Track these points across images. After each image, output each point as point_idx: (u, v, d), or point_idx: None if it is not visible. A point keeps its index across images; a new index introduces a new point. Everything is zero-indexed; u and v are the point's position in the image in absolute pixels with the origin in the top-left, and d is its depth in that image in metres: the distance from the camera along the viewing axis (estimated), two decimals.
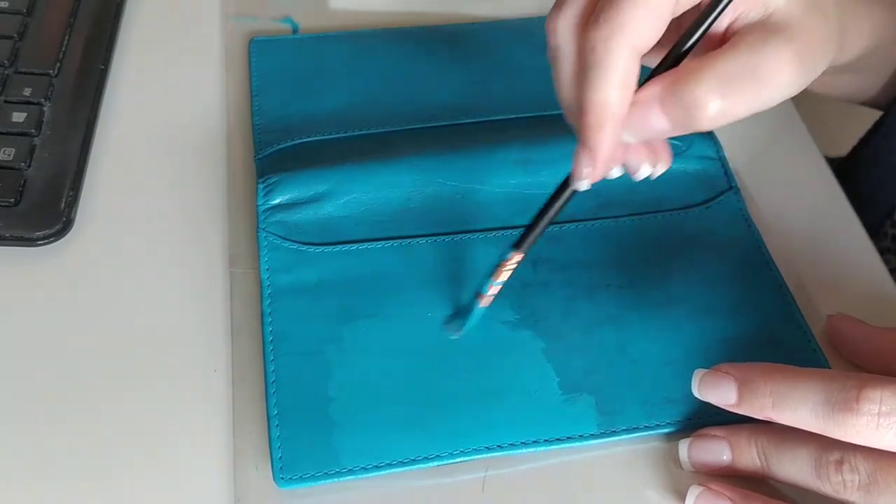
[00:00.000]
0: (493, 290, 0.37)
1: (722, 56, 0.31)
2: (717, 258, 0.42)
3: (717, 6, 0.32)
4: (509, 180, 0.44)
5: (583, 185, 0.33)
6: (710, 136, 0.46)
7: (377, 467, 0.35)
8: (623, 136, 0.33)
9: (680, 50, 0.33)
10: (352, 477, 0.34)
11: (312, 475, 0.34)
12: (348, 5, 0.54)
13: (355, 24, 0.53)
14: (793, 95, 0.33)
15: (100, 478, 0.35)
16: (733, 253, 0.42)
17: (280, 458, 0.34)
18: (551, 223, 0.35)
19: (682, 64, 0.32)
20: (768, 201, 0.46)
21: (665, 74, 0.32)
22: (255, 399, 0.37)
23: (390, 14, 0.54)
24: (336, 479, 0.34)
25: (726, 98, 0.31)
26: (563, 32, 0.33)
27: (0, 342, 0.38)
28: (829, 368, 0.38)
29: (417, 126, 0.47)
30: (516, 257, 0.36)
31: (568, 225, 0.43)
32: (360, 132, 0.46)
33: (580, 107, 0.32)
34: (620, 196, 0.44)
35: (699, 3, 0.33)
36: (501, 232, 0.42)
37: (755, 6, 0.32)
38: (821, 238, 0.44)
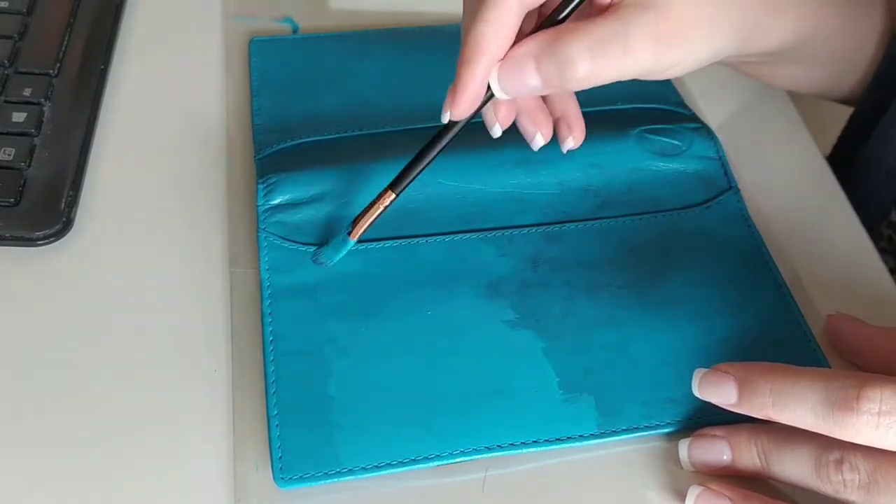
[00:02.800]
0: (365, 224, 0.38)
1: (596, 22, 0.34)
2: (717, 258, 0.42)
3: None
4: (509, 180, 0.44)
5: (445, 117, 0.35)
6: (710, 136, 0.46)
7: (377, 467, 0.34)
8: (495, 88, 0.35)
9: (559, 15, 0.35)
10: (352, 477, 0.34)
11: (312, 475, 0.34)
12: (348, 5, 0.54)
13: (355, 24, 0.53)
14: (661, 73, 0.36)
15: (100, 477, 0.35)
16: (733, 253, 0.42)
17: (280, 458, 0.34)
18: (428, 166, 0.38)
19: (560, 25, 0.34)
20: (768, 201, 0.46)
21: (542, 32, 0.34)
22: (255, 399, 0.37)
23: (390, 14, 0.54)
24: (336, 479, 0.34)
25: (595, 60, 0.33)
26: None
27: (0, 342, 0.38)
28: (829, 368, 0.38)
29: (417, 126, 0.47)
30: (390, 197, 0.38)
31: (568, 225, 0.43)
32: (360, 132, 0.46)
33: (462, 40, 0.34)
34: (620, 196, 0.44)
35: None
36: (501, 232, 0.42)
37: None
38: (821, 238, 0.44)
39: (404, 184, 0.38)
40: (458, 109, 0.35)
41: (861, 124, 0.51)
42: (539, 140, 0.38)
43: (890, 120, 0.48)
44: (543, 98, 0.40)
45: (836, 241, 0.45)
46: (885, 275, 0.43)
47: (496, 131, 0.38)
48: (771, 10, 0.40)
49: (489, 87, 0.35)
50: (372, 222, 0.38)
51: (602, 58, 0.33)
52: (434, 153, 0.37)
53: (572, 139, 0.39)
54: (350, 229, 0.39)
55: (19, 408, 0.36)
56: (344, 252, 0.39)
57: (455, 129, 0.37)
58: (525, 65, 0.34)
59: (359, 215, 0.39)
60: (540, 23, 0.35)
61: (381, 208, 0.38)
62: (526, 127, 0.38)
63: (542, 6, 0.36)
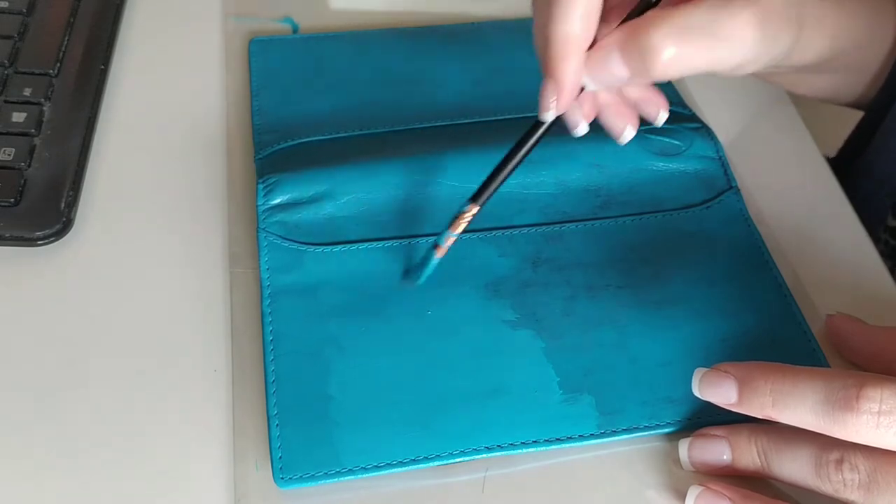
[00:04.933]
0: (450, 241, 0.38)
1: (685, 8, 0.34)
2: (717, 258, 0.42)
3: None
4: (509, 180, 0.43)
5: (549, 115, 0.35)
6: (710, 136, 0.46)
7: (377, 467, 0.34)
8: (586, 81, 0.35)
9: (648, 2, 0.35)
10: (352, 477, 0.34)
11: (312, 475, 0.34)
12: (348, 5, 0.54)
13: (355, 24, 0.53)
14: (744, 66, 0.35)
15: (100, 477, 0.35)
16: (733, 253, 0.42)
17: (280, 458, 0.34)
18: (508, 177, 0.37)
19: (647, 13, 0.34)
20: (768, 201, 0.46)
21: (628, 23, 0.34)
22: (255, 399, 0.37)
23: (390, 14, 0.54)
24: (336, 479, 0.34)
25: (681, 46, 0.33)
26: None
27: (0, 342, 0.38)
28: (829, 368, 0.38)
29: (417, 126, 0.47)
30: (473, 209, 0.37)
31: (568, 225, 0.43)
32: (360, 132, 0.46)
33: (546, 40, 0.34)
34: (620, 196, 0.44)
35: None
36: (501, 232, 0.42)
37: None
38: (821, 238, 0.44)
39: (487, 193, 0.37)
40: (563, 104, 0.35)
41: (865, 130, 0.51)
42: (629, 133, 0.38)
43: (887, 126, 0.49)
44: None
45: (836, 241, 0.45)
46: (885, 275, 0.43)
47: (582, 129, 0.37)
48: (815, 19, 0.40)
49: None
50: (456, 237, 0.38)
51: (689, 44, 0.33)
52: (521, 156, 0.36)
53: (663, 111, 0.38)
54: (433, 247, 0.38)
55: (19, 408, 0.36)
56: (431, 269, 0.39)
57: (542, 130, 0.36)
58: (610, 54, 0.34)
59: (442, 232, 0.38)
60: (630, 12, 0.35)
61: (465, 222, 0.37)
62: (614, 122, 0.38)
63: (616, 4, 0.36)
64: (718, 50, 0.34)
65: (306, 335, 0.38)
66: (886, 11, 0.47)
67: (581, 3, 0.33)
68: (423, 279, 0.39)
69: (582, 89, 0.35)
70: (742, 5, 0.34)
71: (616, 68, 0.34)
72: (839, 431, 0.31)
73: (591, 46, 0.35)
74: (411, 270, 0.40)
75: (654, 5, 0.35)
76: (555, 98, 0.35)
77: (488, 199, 0.37)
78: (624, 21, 0.35)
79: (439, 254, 0.38)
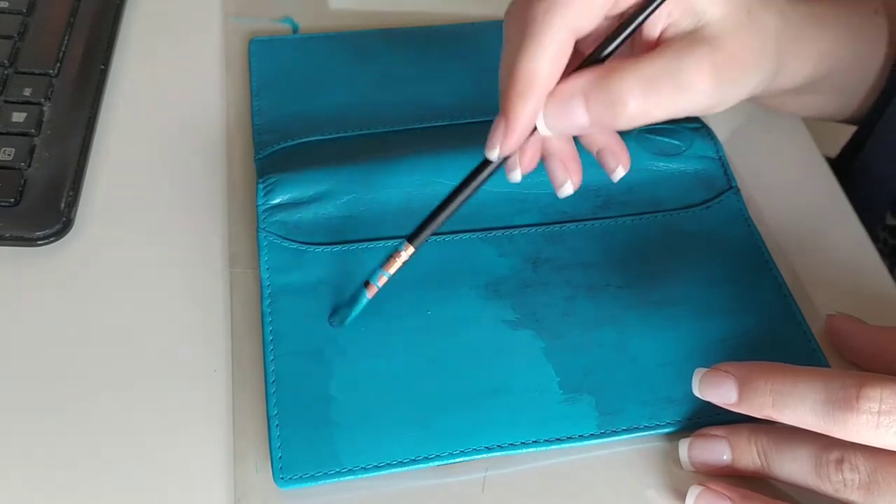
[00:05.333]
0: (382, 280, 0.37)
1: (648, 58, 0.33)
2: (717, 258, 0.42)
3: (646, 8, 0.33)
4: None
5: (493, 154, 0.34)
6: (710, 136, 0.46)
7: (377, 467, 0.35)
8: (541, 126, 0.34)
9: (603, 51, 0.34)
10: (352, 477, 0.34)
11: (312, 475, 0.34)
12: (348, 5, 0.54)
13: (355, 24, 0.53)
14: (714, 108, 0.35)
15: (100, 478, 0.35)
16: (733, 253, 0.42)
17: (280, 458, 0.34)
18: (452, 214, 0.36)
19: (607, 62, 0.33)
20: (768, 201, 0.46)
21: (590, 69, 0.33)
22: (255, 399, 0.37)
23: (390, 14, 0.54)
24: (336, 479, 0.34)
25: (646, 98, 0.32)
26: (513, 11, 0.35)
27: (0, 341, 0.38)
28: (829, 368, 0.38)
29: (417, 126, 0.47)
30: (409, 250, 0.36)
31: (568, 225, 0.43)
32: (360, 132, 0.46)
33: (509, 75, 0.33)
34: (620, 196, 0.44)
35: (637, 2, 0.34)
36: (501, 232, 0.42)
37: (688, 16, 0.34)
38: (821, 238, 0.44)
39: (422, 237, 0.36)
40: (509, 145, 0.33)
41: (864, 130, 0.51)
42: (568, 189, 0.37)
43: (884, 126, 0.49)
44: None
45: (836, 240, 0.45)
46: (885, 275, 0.43)
47: (516, 177, 0.36)
48: (797, 47, 0.40)
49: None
50: (387, 281, 0.37)
51: (655, 94, 0.32)
52: (463, 199, 0.35)
53: (621, 167, 0.37)
54: (367, 285, 0.37)
55: (19, 407, 0.36)
56: (359, 310, 0.38)
57: (489, 170, 0.35)
58: (573, 102, 0.33)
59: (374, 270, 0.37)
60: (582, 59, 0.34)
61: (400, 263, 0.37)
62: (557, 173, 0.37)
63: (578, 42, 0.34)
64: (680, 101, 0.33)
65: (306, 335, 0.38)
66: (876, 29, 0.47)
67: (554, 42, 0.32)
68: (351, 318, 0.38)
69: (534, 131, 0.34)
70: (703, 54, 0.33)
71: (578, 116, 0.33)
72: (839, 431, 0.31)
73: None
74: (340, 308, 0.38)
75: (610, 55, 0.34)
76: (502, 138, 0.33)
77: (425, 240, 0.36)
78: (581, 66, 0.34)
79: (370, 293, 0.37)
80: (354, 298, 0.38)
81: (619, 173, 0.38)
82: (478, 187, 0.35)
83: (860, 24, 0.45)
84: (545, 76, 0.33)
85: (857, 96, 0.49)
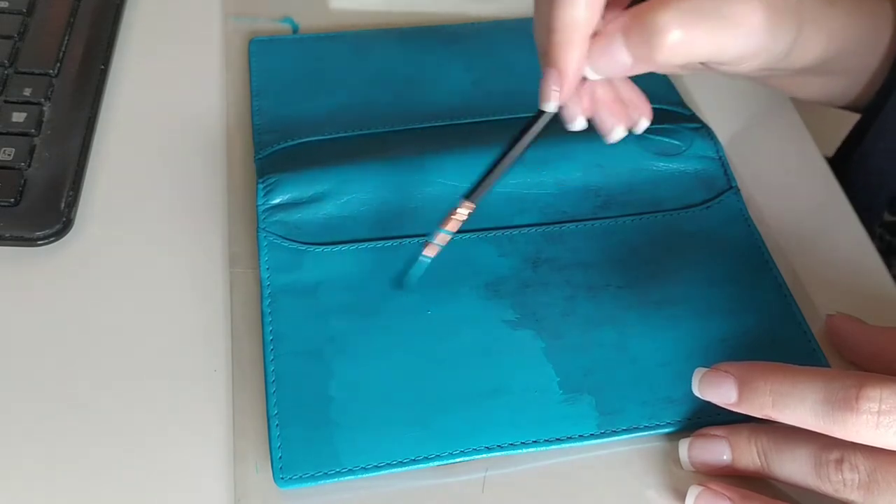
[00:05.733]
0: (441, 238, 0.37)
1: None
2: (717, 258, 0.42)
3: None
4: (509, 180, 0.44)
5: (551, 105, 0.35)
6: (710, 136, 0.46)
7: (377, 467, 0.35)
8: (587, 71, 0.34)
9: None
10: (352, 477, 0.34)
11: (312, 475, 0.34)
12: (348, 5, 0.54)
13: (355, 24, 0.53)
14: (748, 58, 0.35)
15: (100, 478, 0.35)
16: (733, 253, 0.42)
17: (280, 458, 0.34)
18: (501, 175, 0.36)
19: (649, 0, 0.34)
20: (768, 201, 0.46)
21: (631, 9, 0.34)
22: (255, 399, 0.37)
23: (390, 14, 0.54)
24: (336, 479, 0.34)
25: (687, 29, 0.32)
26: None
27: (0, 342, 0.38)
28: (829, 368, 0.38)
29: (417, 126, 0.47)
30: (468, 206, 0.36)
31: (568, 225, 0.43)
32: (360, 132, 0.46)
33: (549, 28, 0.33)
34: (620, 196, 0.44)
35: None
36: (501, 232, 0.42)
37: None
38: (821, 238, 0.44)
39: (480, 191, 0.36)
40: (566, 93, 0.34)
41: (861, 126, 0.51)
42: (619, 133, 0.37)
43: (881, 123, 0.49)
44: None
45: (836, 240, 0.45)
46: (885, 275, 0.43)
47: (580, 123, 0.36)
48: (812, 23, 0.40)
49: None
50: (450, 237, 0.37)
51: (696, 26, 0.32)
52: (519, 152, 0.36)
53: (644, 118, 0.38)
54: (424, 247, 0.38)
55: (19, 407, 0.36)
56: (422, 270, 0.38)
57: (541, 121, 0.35)
58: (614, 40, 0.33)
59: (433, 228, 0.37)
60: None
61: (458, 221, 0.37)
62: (605, 120, 0.37)
63: None
64: (724, 35, 0.33)
65: (306, 335, 0.38)
66: (884, 15, 0.47)
67: None
68: (415, 281, 0.38)
69: (583, 80, 0.35)
70: None
71: (619, 54, 0.33)
72: (839, 431, 0.31)
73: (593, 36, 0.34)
74: (402, 275, 0.39)
75: None
76: (557, 88, 0.34)
77: (482, 196, 0.36)
78: (629, 6, 0.34)
79: (430, 253, 0.38)
80: (414, 261, 0.38)
81: (642, 125, 0.38)
82: (533, 140, 0.36)
83: (870, 10, 0.45)
84: (584, 21, 0.33)
85: (860, 81, 0.49)
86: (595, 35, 0.34)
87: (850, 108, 0.52)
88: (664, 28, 0.32)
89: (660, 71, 0.35)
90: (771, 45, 0.36)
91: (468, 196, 0.37)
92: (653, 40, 0.33)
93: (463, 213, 0.37)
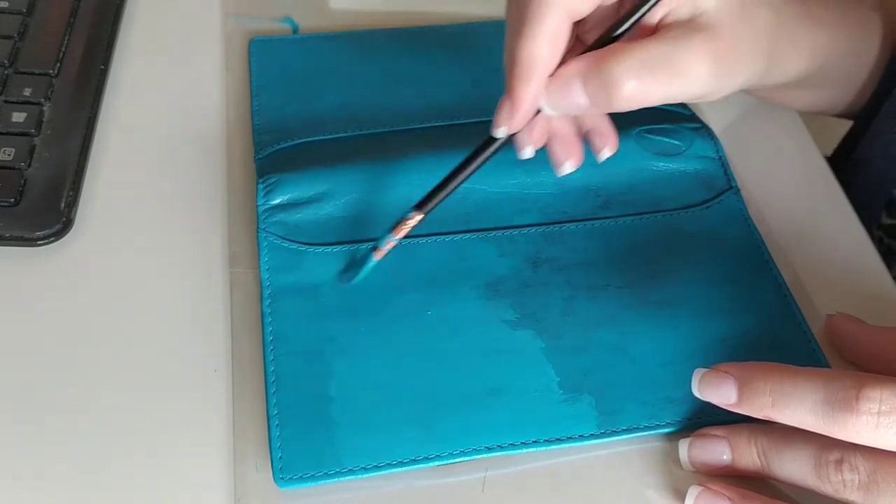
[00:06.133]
0: (390, 245, 0.38)
1: (645, 43, 0.34)
2: (717, 258, 0.42)
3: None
4: (509, 180, 0.44)
5: (500, 132, 0.36)
6: (710, 135, 0.46)
7: (377, 467, 0.35)
8: (544, 106, 0.35)
9: (611, 34, 0.35)
10: (352, 477, 0.34)
11: (313, 475, 0.34)
12: (348, 5, 0.54)
13: (355, 24, 0.53)
14: (707, 96, 0.36)
15: (100, 478, 0.35)
16: (733, 253, 0.42)
17: (280, 458, 0.34)
18: (460, 186, 0.37)
19: (607, 46, 0.35)
20: (768, 201, 0.46)
21: (590, 53, 0.34)
22: (255, 399, 0.37)
23: (390, 14, 0.54)
24: (336, 479, 0.34)
25: (642, 80, 0.33)
26: (513, 1, 0.35)
27: (0, 341, 0.38)
28: (829, 368, 0.38)
29: (417, 126, 0.47)
30: (417, 217, 0.37)
31: (568, 225, 0.43)
32: (360, 132, 0.46)
33: (510, 59, 0.34)
34: (620, 196, 0.44)
35: None
36: (501, 232, 0.42)
37: (686, 4, 0.35)
38: (821, 238, 0.44)
39: (433, 203, 0.37)
40: (515, 123, 0.35)
41: (858, 128, 0.51)
42: (567, 168, 0.38)
43: (878, 126, 0.49)
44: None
45: (836, 241, 0.45)
46: (885, 275, 0.43)
47: (528, 153, 0.37)
48: (790, 43, 0.40)
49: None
50: (394, 244, 0.38)
51: (651, 77, 0.33)
52: (471, 170, 0.37)
53: (608, 148, 0.39)
54: (373, 250, 0.39)
55: (19, 407, 0.36)
56: (367, 271, 0.39)
57: (494, 147, 0.36)
58: (572, 83, 0.34)
59: (383, 234, 0.38)
60: (593, 43, 0.35)
61: (408, 228, 0.38)
62: (557, 153, 0.38)
63: (579, 26, 0.36)
64: (675, 86, 0.34)
65: (306, 335, 0.38)
66: (872, 26, 0.47)
67: (549, 25, 0.33)
68: (358, 279, 0.39)
69: (538, 112, 0.35)
70: (700, 41, 0.34)
71: (577, 97, 0.34)
72: (839, 432, 0.31)
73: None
74: (350, 267, 0.40)
75: (616, 38, 0.35)
76: (508, 116, 0.35)
77: (433, 208, 0.37)
78: (587, 51, 0.35)
79: (377, 256, 0.38)
80: (363, 261, 0.39)
81: (604, 154, 0.39)
82: (484, 162, 0.37)
83: (856, 23, 0.46)
84: (544, 58, 0.34)
85: (850, 91, 0.49)
86: (555, 74, 0.35)
87: (843, 115, 0.52)
88: (620, 79, 0.33)
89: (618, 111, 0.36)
90: (727, 85, 0.36)
91: (419, 206, 0.37)
92: (610, 90, 0.33)
93: (412, 222, 0.38)
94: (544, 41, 0.34)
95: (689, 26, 0.35)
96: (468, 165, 0.37)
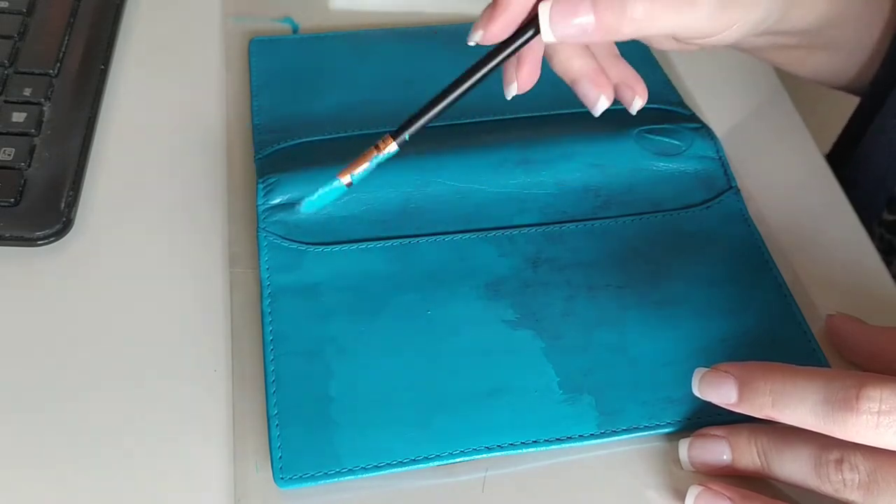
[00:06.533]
0: (356, 170, 0.35)
1: None
2: (717, 258, 0.42)
3: None
4: (509, 180, 0.44)
5: (475, 37, 0.33)
6: (710, 136, 0.46)
7: (377, 467, 0.34)
8: (544, 28, 0.32)
9: None
10: (352, 477, 0.34)
11: (313, 475, 0.34)
12: (348, 5, 0.54)
13: (355, 24, 0.53)
14: (719, 31, 0.35)
15: (100, 478, 0.34)
16: (733, 253, 0.42)
17: (280, 458, 0.34)
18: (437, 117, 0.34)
19: None
20: (768, 201, 0.46)
21: None
22: (255, 399, 0.37)
23: (390, 14, 0.54)
24: (336, 479, 0.34)
25: (654, 3, 0.32)
26: None
27: (0, 341, 0.38)
28: (829, 368, 0.38)
29: None
30: (391, 143, 0.34)
31: (568, 225, 0.43)
32: (360, 132, 0.46)
33: None
34: (620, 196, 0.44)
35: None
36: (501, 232, 0.42)
37: None
38: (821, 238, 0.44)
39: (410, 130, 0.34)
40: (492, 29, 0.32)
41: (859, 123, 0.51)
42: (603, 103, 0.36)
43: (882, 120, 0.49)
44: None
45: (836, 241, 0.45)
46: (885, 275, 0.43)
47: (511, 90, 0.35)
48: None
49: (532, 25, 0.32)
50: (364, 168, 0.35)
51: (661, 2, 0.32)
52: (452, 99, 0.33)
53: (639, 98, 0.37)
54: (341, 172, 0.35)
55: (19, 407, 0.36)
56: (332, 198, 0.36)
57: (479, 74, 0.33)
58: (581, 1, 0.32)
59: (355, 160, 0.35)
60: None
61: (378, 153, 0.35)
62: (587, 91, 0.36)
63: None
64: (685, 16, 0.33)
65: (306, 335, 0.38)
66: None
67: None
68: (318, 207, 0.36)
69: (531, 37, 0.33)
70: None
71: (584, 15, 0.32)
72: (839, 431, 0.31)
73: None
74: (309, 196, 0.36)
75: None
76: (488, 20, 0.32)
77: (408, 136, 0.35)
78: None
79: (342, 180, 0.35)
80: (327, 186, 0.36)
81: (637, 104, 0.37)
82: (465, 91, 0.33)
83: None
84: None
85: (858, 58, 0.49)
86: None
87: (847, 88, 0.52)
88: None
89: (622, 40, 0.34)
90: (740, 22, 0.35)
91: (393, 135, 0.34)
92: (619, 9, 0.32)
93: (384, 147, 0.34)
94: None
95: None
96: (449, 93, 0.34)
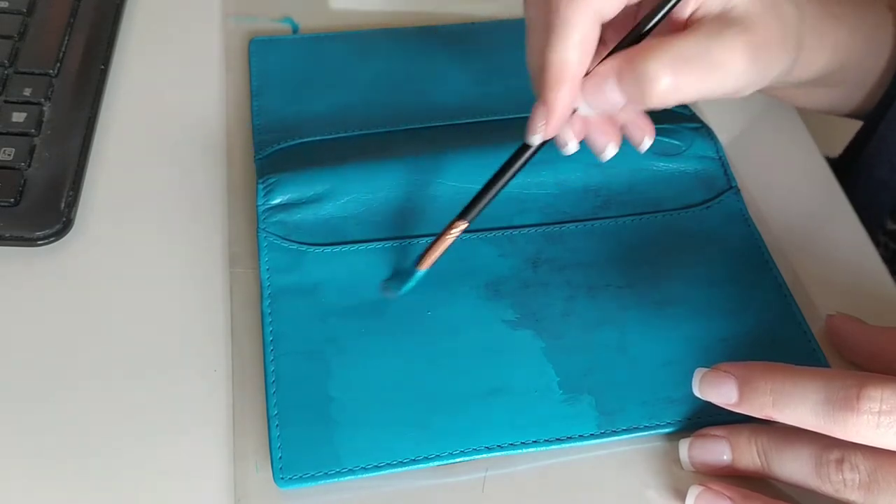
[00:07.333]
0: (434, 255, 0.38)
1: (680, 38, 0.34)
2: (717, 258, 0.42)
3: None
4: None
5: (536, 139, 0.35)
6: (710, 136, 0.46)
7: (377, 467, 0.34)
8: (580, 106, 0.35)
9: (641, 31, 0.35)
10: (352, 477, 0.34)
11: (313, 475, 0.34)
12: (348, 5, 0.54)
13: (355, 24, 0.53)
14: (740, 91, 0.36)
15: (100, 478, 0.35)
16: (733, 253, 0.42)
17: (280, 458, 0.34)
18: (501, 190, 0.37)
19: (641, 43, 0.35)
20: (768, 201, 0.46)
21: (623, 51, 0.34)
22: (255, 399, 0.37)
23: (390, 14, 0.54)
24: (336, 479, 0.34)
25: (677, 76, 0.33)
26: (534, 2, 0.35)
27: (0, 341, 0.38)
28: (829, 368, 0.38)
29: (417, 126, 0.47)
30: (461, 226, 0.38)
31: (568, 225, 0.43)
32: (360, 132, 0.46)
33: (541, 66, 0.34)
34: (620, 196, 0.44)
35: None
36: (501, 232, 0.42)
37: None
38: (821, 238, 0.44)
39: (476, 211, 0.37)
40: (549, 130, 0.35)
41: (864, 134, 0.51)
42: (611, 150, 0.38)
43: (884, 131, 0.49)
44: None
45: (836, 241, 0.45)
46: (885, 275, 0.43)
47: (572, 147, 0.37)
48: (814, 38, 0.41)
49: None
50: (442, 253, 0.38)
51: (685, 72, 0.33)
52: (510, 176, 0.37)
53: (647, 138, 0.38)
54: (418, 260, 0.38)
55: (19, 407, 0.36)
56: (414, 283, 0.39)
57: (531, 151, 0.36)
58: (607, 82, 0.34)
59: (429, 246, 0.38)
60: (623, 39, 0.35)
61: (451, 238, 0.38)
62: (597, 139, 0.38)
63: (603, 31, 0.36)
64: (711, 80, 0.34)
65: (306, 335, 0.38)
66: (885, 25, 0.47)
67: (578, 30, 0.33)
68: (403, 291, 0.39)
69: (574, 111, 0.35)
70: (735, 34, 0.34)
71: (612, 95, 0.34)
72: (839, 431, 0.31)
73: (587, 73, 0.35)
74: (393, 279, 0.40)
75: (646, 34, 0.35)
76: (544, 123, 0.35)
77: (476, 216, 0.38)
78: (616, 48, 0.35)
79: (423, 267, 0.38)
80: (409, 273, 0.39)
81: (645, 144, 0.39)
82: (521, 167, 0.37)
83: (873, 22, 0.46)
84: (576, 63, 0.34)
85: (862, 91, 0.50)
86: (587, 74, 0.35)
87: (853, 115, 0.52)
88: (655, 75, 0.33)
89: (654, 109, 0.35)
90: (762, 78, 0.36)
91: (462, 215, 0.38)
92: (645, 86, 0.33)
93: (455, 231, 0.38)
94: (576, 46, 0.34)
95: (721, 20, 0.34)
96: (505, 172, 0.37)
